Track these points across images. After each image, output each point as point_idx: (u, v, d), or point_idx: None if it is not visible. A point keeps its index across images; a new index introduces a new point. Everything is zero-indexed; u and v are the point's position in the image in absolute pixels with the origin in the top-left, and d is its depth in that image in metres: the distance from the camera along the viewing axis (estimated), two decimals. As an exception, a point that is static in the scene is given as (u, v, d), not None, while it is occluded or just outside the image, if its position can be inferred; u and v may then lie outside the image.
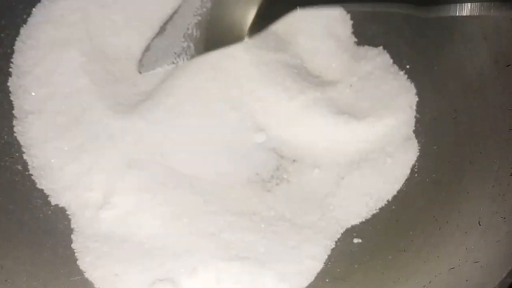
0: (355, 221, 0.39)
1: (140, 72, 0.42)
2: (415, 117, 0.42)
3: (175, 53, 0.40)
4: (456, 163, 0.38)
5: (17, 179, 0.39)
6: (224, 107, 0.42)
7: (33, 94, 0.41)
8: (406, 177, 0.40)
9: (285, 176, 0.41)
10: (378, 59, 0.44)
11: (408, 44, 0.44)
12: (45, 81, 0.42)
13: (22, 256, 0.36)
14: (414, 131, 0.42)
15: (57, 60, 0.42)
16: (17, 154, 0.40)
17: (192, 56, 0.40)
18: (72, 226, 0.38)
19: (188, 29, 0.41)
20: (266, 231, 0.38)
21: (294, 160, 0.42)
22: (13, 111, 0.41)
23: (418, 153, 0.41)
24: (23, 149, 0.40)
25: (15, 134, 0.40)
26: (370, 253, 0.38)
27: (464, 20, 0.40)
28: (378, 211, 0.40)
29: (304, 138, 0.42)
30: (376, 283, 0.36)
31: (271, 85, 0.42)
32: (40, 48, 0.42)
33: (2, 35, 0.43)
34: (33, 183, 0.39)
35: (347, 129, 0.41)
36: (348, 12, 0.46)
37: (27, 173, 0.40)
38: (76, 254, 0.37)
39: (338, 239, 0.39)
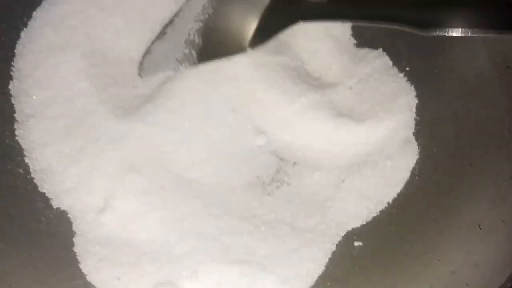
0: (356, 224, 0.39)
1: (141, 76, 0.42)
2: (415, 119, 0.42)
3: (176, 58, 0.41)
4: (456, 165, 0.38)
5: (19, 182, 0.39)
6: (224, 109, 0.42)
7: (34, 97, 0.42)
8: (406, 180, 0.40)
9: (285, 179, 0.41)
10: (377, 61, 0.44)
11: (408, 46, 0.44)
12: (46, 85, 0.42)
13: (24, 260, 0.36)
14: (414, 134, 0.42)
15: (58, 64, 0.42)
16: (18, 158, 0.40)
17: (194, 64, 0.40)
18: (73, 230, 0.38)
19: (189, 34, 0.41)
20: (266, 234, 0.38)
21: (294, 163, 0.42)
22: (15, 115, 0.41)
23: (418, 156, 0.41)
24: (25, 153, 0.40)
25: (16, 138, 0.41)
26: (371, 256, 0.38)
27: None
28: (378, 214, 0.40)
29: (304, 141, 0.42)
30: (377, 286, 0.36)
31: (271, 87, 0.42)
32: (41, 51, 0.43)
33: (2, 38, 0.43)
34: (34, 186, 0.39)
35: (347, 131, 0.41)
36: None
37: (28, 176, 0.40)
38: (78, 257, 0.37)
39: (339, 242, 0.39)
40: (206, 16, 0.42)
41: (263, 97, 0.43)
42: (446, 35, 0.32)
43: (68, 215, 0.39)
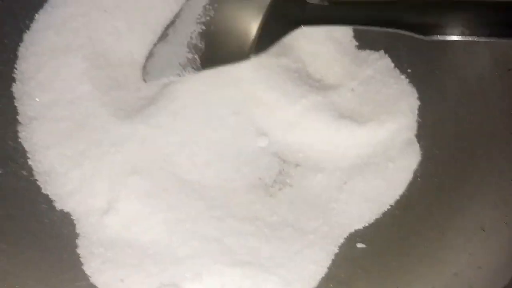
0: (358, 225, 0.39)
1: (145, 81, 0.42)
2: (417, 121, 0.42)
3: (180, 64, 0.41)
4: (459, 167, 0.38)
5: (22, 184, 0.40)
6: (226, 111, 0.42)
7: (36, 100, 0.42)
8: (408, 182, 0.40)
9: (288, 181, 0.41)
10: (379, 63, 0.45)
11: (409, 48, 0.44)
12: (49, 87, 0.42)
13: (28, 261, 0.37)
14: (416, 136, 0.42)
15: (60, 66, 0.42)
16: (22, 160, 0.40)
17: (198, 70, 0.40)
18: (77, 231, 0.38)
19: (191, 38, 0.41)
20: (269, 236, 0.38)
21: (296, 165, 0.42)
22: (18, 117, 0.41)
23: (420, 158, 0.41)
24: (28, 155, 0.40)
25: (19, 140, 0.41)
26: (373, 258, 0.38)
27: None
28: (381, 216, 0.40)
29: (306, 143, 0.42)
30: (380, 288, 0.36)
31: (272, 89, 0.43)
32: (43, 54, 0.43)
33: (5, 41, 0.43)
34: (38, 188, 0.40)
35: (349, 133, 0.41)
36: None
37: (32, 178, 0.40)
38: (81, 259, 0.37)
39: (342, 244, 0.39)
40: (208, 18, 0.42)
41: (265, 99, 0.43)
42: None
43: (72, 217, 0.39)
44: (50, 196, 0.39)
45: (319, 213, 0.40)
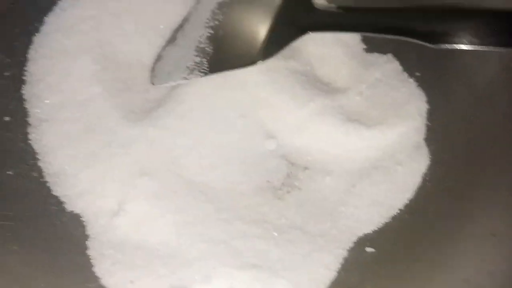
0: (367, 229, 0.39)
1: (153, 84, 0.42)
2: (426, 125, 0.42)
3: (187, 67, 0.41)
4: (468, 171, 0.38)
5: (32, 186, 0.40)
6: (233, 114, 0.42)
7: (46, 101, 0.42)
8: (417, 186, 0.40)
9: (296, 184, 0.41)
10: (387, 66, 0.44)
11: (418, 52, 0.44)
12: (58, 89, 0.42)
13: (38, 263, 0.37)
14: (425, 139, 0.42)
15: (70, 68, 0.43)
16: (32, 161, 0.41)
17: (206, 74, 0.40)
18: (87, 233, 0.39)
19: (200, 42, 0.41)
20: (278, 239, 0.38)
21: (305, 168, 0.42)
22: (28, 119, 0.42)
23: (429, 162, 0.41)
24: (38, 156, 0.41)
25: (30, 141, 0.41)
26: (383, 262, 0.38)
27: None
28: (390, 220, 0.40)
29: (314, 146, 0.42)
30: (390, 293, 0.36)
31: (280, 92, 0.43)
32: (53, 56, 0.43)
33: (15, 43, 0.43)
34: (48, 190, 0.40)
35: (357, 136, 0.41)
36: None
37: (42, 180, 0.40)
38: (91, 261, 0.37)
39: (351, 248, 0.39)
40: (216, 22, 0.42)
41: (273, 101, 0.43)
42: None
43: (82, 219, 0.39)
44: (60, 198, 0.40)
45: (328, 216, 0.40)
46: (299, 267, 0.37)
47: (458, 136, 0.41)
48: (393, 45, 0.45)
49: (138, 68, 0.44)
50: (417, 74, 0.44)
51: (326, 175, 0.41)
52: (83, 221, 0.39)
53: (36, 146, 0.41)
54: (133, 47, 0.44)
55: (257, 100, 0.43)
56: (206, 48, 0.41)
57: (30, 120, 0.42)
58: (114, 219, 0.38)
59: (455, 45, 0.34)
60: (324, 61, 0.45)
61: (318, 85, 0.44)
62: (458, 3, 0.36)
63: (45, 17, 0.44)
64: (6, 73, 0.42)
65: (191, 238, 0.38)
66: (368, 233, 0.39)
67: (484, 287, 0.31)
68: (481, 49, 0.33)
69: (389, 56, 0.45)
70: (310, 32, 0.39)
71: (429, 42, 0.34)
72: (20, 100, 0.42)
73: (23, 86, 0.42)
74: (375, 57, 0.45)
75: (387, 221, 0.40)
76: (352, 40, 0.46)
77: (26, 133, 0.41)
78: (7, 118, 0.41)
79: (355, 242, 0.39)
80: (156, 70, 0.43)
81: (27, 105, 0.42)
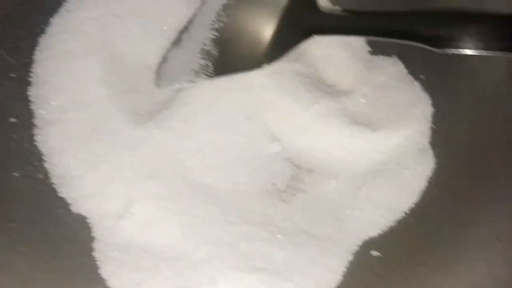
0: (373, 232, 0.39)
1: (159, 87, 0.42)
2: (431, 128, 0.42)
3: (193, 70, 0.41)
4: (474, 175, 0.38)
5: (38, 187, 0.40)
6: (238, 116, 0.42)
7: (52, 103, 0.42)
8: (422, 189, 0.40)
9: (301, 187, 0.41)
10: (392, 68, 0.44)
11: (423, 54, 0.43)
12: (64, 91, 0.42)
13: (44, 265, 0.37)
14: (430, 143, 0.42)
15: (75, 70, 0.43)
16: (38, 163, 0.41)
17: (211, 77, 0.40)
18: (93, 235, 0.39)
19: (205, 44, 0.41)
20: (283, 242, 0.38)
21: (310, 170, 0.42)
22: (34, 120, 0.42)
23: (435, 165, 0.41)
24: (44, 158, 0.41)
25: (35, 143, 0.41)
26: (388, 266, 0.38)
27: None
28: (396, 224, 0.40)
29: (319, 148, 0.42)
30: (396, 297, 0.36)
31: (285, 94, 0.43)
32: (58, 58, 0.43)
33: (21, 45, 0.43)
34: (54, 191, 0.40)
35: (362, 139, 0.41)
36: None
37: (48, 181, 0.40)
38: (97, 263, 0.38)
39: (356, 252, 0.39)
40: (221, 24, 0.42)
41: (278, 104, 0.43)
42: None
43: (87, 220, 0.39)
44: (66, 199, 0.40)
45: (333, 220, 0.40)
46: (304, 271, 0.37)
47: (463, 140, 0.40)
48: (398, 47, 0.45)
49: (144, 70, 0.44)
50: (422, 77, 0.44)
51: (331, 178, 0.41)
52: (89, 223, 0.39)
53: (42, 148, 0.41)
54: (138, 49, 0.44)
55: (262, 102, 0.43)
56: (211, 51, 0.41)
57: (36, 121, 0.42)
58: (120, 221, 0.38)
59: (460, 50, 0.34)
60: (329, 63, 0.45)
61: (322, 87, 0.44)
62: (464, 8, 0.36)
63: (50, 19, 0.44)
64: (12, 75, 0.43)
65: (197, 240, 0.38)
66: (373, 237, 0.39)
67: (491, 293, 0.31)
68: (486, 55, 0.33)
69: (394, 59, 0.45)
70: (315, 36, 0.39)
71: (435, 46, 0.35)
72: (26, 101, 0.42)
73: (29, 87, 0.42)
74: (380, 59, 0.45)
75: (392, 224, 0.40)
76: (356, 42, 0.46)
77: (32, 135, 0.41)
78: (13, 120, 0.42)
79: (360, 246, 0.39)
80: (161, 73, 0.43)
81: (33, 107, 0.42)
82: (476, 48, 0.33)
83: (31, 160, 0.41)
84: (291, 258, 0.38)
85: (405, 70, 0.44)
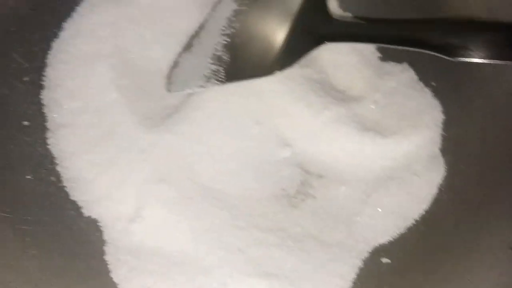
0: (382, 239, 0.39)
1: (170, 91, 0.43)
2: (442, 135, 0.42)
3: (204, 75, 0.41)
4: (484, 183, 0.38)
5: (51, 190, 0.40)
6: (249, 122, 0.43)
7: (65, 107, 0.42)
8: (433, 196, 0.40)
9: (311, 192, 0.41)
10: (402, 75, 0.44)
11: (433, 61, 0.43)
12: (76, 95, 0.43)
13: (56, 268, 0.37)
14: (441, 150, 0.42)
15: (88, 74, 0.43)
16: (50, 166, 0.41)
17: (222, 82, 0.41)
18: (104, 238, 0.39)
19: (216, 49, 0.41)
20: (293, 248, 0.38)
21: (320, 176, 0.42)
22: (46, 123, 0.42)
23: (445, 172, 0.41)
24: (56, 161, 0.41)
25: (48, 146, 0.42)
26: (399, 274, 0.38)
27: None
28: (406, 231, 0.40)
29: (329, 154, 0.42)
30: (406, 304, 0.36)
31: (295, 100, 0.43)
32: (71, 62, 0.44)
33: (35, 49, 0.44)
34: (66, 194, 0.40)
35: (373, 146, 0.41)
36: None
37: (60, 184, 0.41)
38: (109, 266, 0.38)
39: (366, 259, 0.39)
40: (233, 30, 0.42)
41: (288, 109, 0.43)
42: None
43: (99, 224, 0.40)
44: (78, 203, 0.40)
45: (343, 226, 0.40)
46: (314, 277, 0.37)
47: (474, 147, 0.40)
48: (409, 54, 0.45)
49: (156, 75, 0.44)
50: (433, 83, 0.44)
51: (341, 184, 0.41)
52: (100, 226, 0.39)
53: (55, 151, 0.41)
54: (150, 54, 0.45)
55: (272, 107, 0.43)
56: (222, 56, 0.41)
57: (49, 125, 0.42)
58: (131, 225, 0.39)
59: (472, 58, 0.34)
60: (339, 69, 0.45)
61: (332, 93, 0.44)
62: (475, 16, 0.36)
63: (63, 23, 0.44)
64: (25, 78, 0.43)
65: (208, 245, 0.38)
66: (383, 244, 0.39)
67: (501, 301, 0.31)
68: (498, 64, 0.33)
69: (405, 65, 0.45)
70: (327, 43, 0.40)
71: (446, 54, 0.35)
72: (39, 105, 0.43)
73: (42, 91, 0.43)
74: (391, 66, 0.45)
75: (402, 232, 0.40)
76: (367, 48, 0.46)
77: (45, 138, 0.42)
78: (26, 123, 0.42)
79: (370, 253, 0.39)
80: (173, 77, 0.43)
81: (46, 110, 0.42)
82: (487, 57, 0.33)
83: (44, 163, 0.41)
84: (301, 264, 0.38)
85: (415, 77, 0.44)
